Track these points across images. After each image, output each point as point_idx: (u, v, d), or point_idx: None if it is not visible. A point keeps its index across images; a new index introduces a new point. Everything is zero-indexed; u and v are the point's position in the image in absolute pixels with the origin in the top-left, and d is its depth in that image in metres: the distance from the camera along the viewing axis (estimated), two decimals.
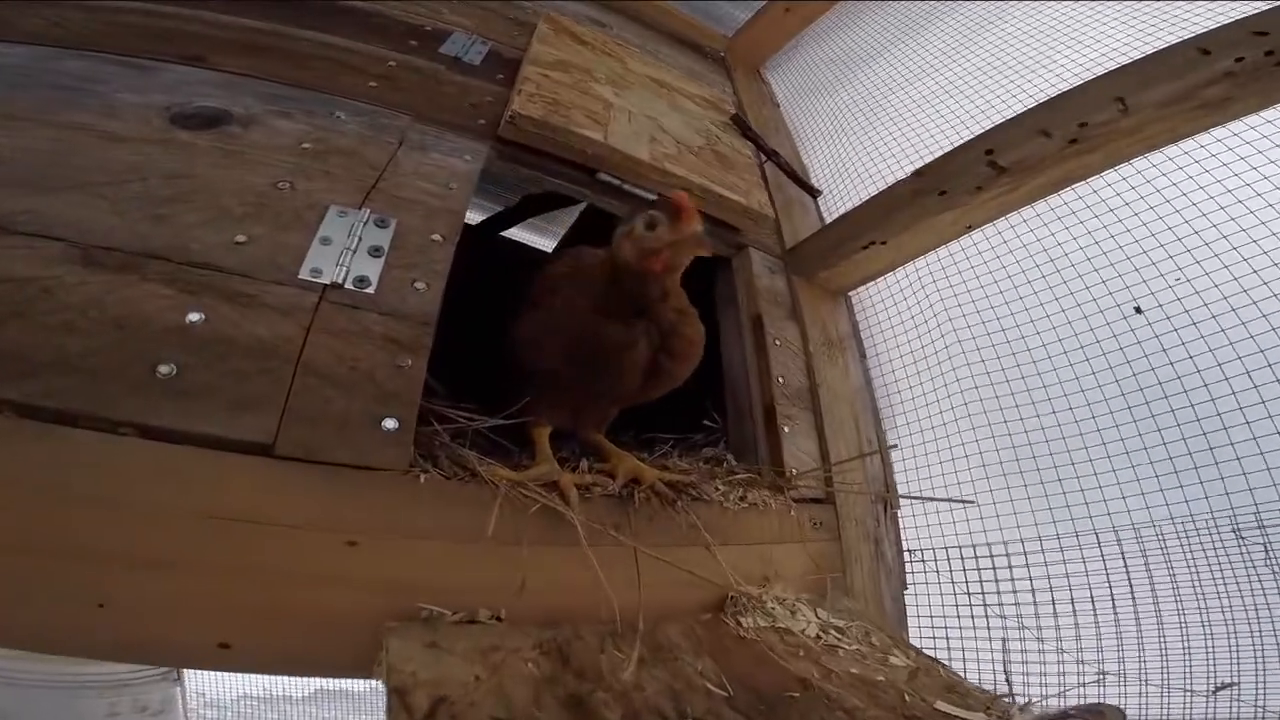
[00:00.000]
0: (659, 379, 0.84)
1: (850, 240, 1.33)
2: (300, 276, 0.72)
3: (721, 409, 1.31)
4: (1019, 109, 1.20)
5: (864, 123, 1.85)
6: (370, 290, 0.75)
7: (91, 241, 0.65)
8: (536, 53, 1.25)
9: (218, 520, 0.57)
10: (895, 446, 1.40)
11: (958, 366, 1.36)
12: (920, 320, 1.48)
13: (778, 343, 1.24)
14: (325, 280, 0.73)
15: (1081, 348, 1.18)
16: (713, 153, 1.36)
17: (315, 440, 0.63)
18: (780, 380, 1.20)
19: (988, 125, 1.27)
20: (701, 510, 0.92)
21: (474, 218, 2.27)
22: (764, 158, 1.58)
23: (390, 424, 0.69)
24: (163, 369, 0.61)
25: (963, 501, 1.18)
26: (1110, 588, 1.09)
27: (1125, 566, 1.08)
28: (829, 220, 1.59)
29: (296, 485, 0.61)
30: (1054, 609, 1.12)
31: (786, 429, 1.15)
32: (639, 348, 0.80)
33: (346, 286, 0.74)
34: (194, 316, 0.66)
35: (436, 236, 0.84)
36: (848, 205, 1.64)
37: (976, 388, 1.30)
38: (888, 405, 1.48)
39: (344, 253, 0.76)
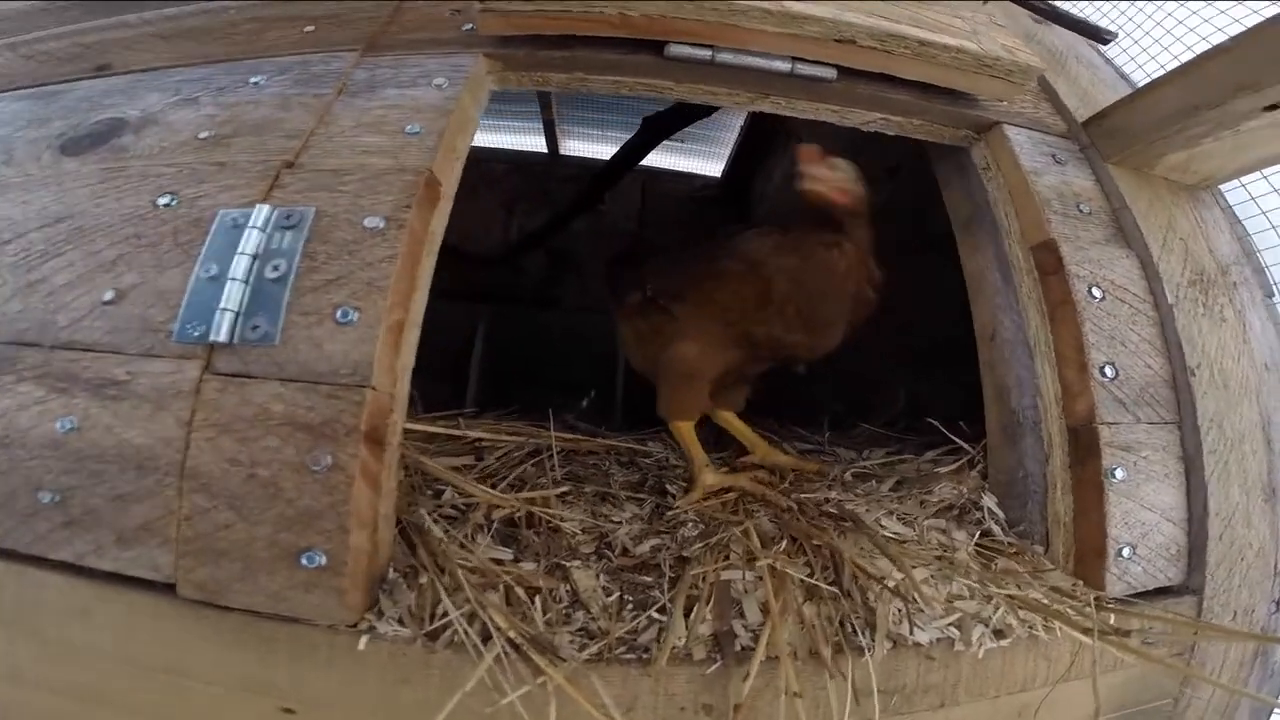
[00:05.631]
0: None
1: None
2: (175, 340, 0.52)
3: (972, 410, 0.83)
4: None
5: None
6: (274, 342, 0.51)
7: None
8: None
9: (134, 667, 0.52)
10: None
11: None
12: None
13: (1096, 292, 0.68)
14: (210, 338, 0.51)
15: None
16: None
17: (220, 580, 0.50)
18: (1106, 371, 0.65)
19: None
20: (908, 664, 0.56)
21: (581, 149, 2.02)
22: None
23: (313, 559, 0.49)
24: (44, 496, 0.53)
25: None
26: None
27: None
28: (1139, 84, 0.96)
29: (209, 635, 0.51)
30: None
31: (1119, 472, 0.64)
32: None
33: (237, 343, 0.51)
34: (63, 424, 0.51)
35: (373, 222, 0.55)
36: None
37: None
38: None
39: (234, 287, 0.52)
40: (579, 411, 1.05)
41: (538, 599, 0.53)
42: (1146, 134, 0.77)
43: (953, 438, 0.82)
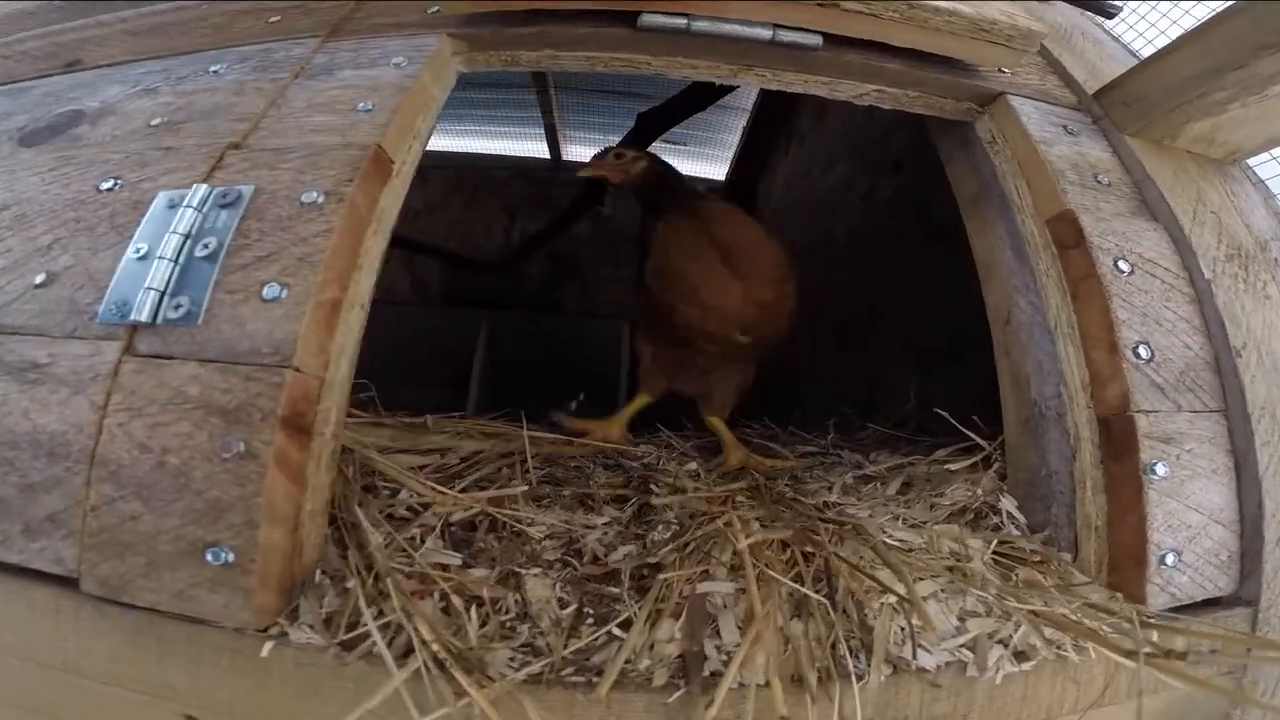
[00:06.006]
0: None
1: None
2: (99, 321, 0.48)
3: (988, 403, 0.75)
4: None
5: None
6: (196, 321, 0.47)
7: None
8: None
9: (33, 664, 0.48)
10: None
11: None
12: None
13: (1123, 266, 0.62)
14: (132, 317, 0.48)
15: None
16: None
17: (124, 575, 0.46)
18: (1139, 352, 0.58)
19: None
20: (910, 693, 0.48)
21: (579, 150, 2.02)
22: None
23: (219, 555, 0.44)
24: None
25: None
26: None
27: None
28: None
29: (109, 633, 0.46)
30: None
31: (1159, 468, 0.56)
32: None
33: (160, 323, 0.48)
34: None
35: (312, 197, 0.51)
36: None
37: None
38: None
39: (160, 266, 0.49)
40: (568, 412, 1.00)
41: (474, 610, 0.47)
42: (1165, 101, 0.70)
43: (966, 432, 0.73)
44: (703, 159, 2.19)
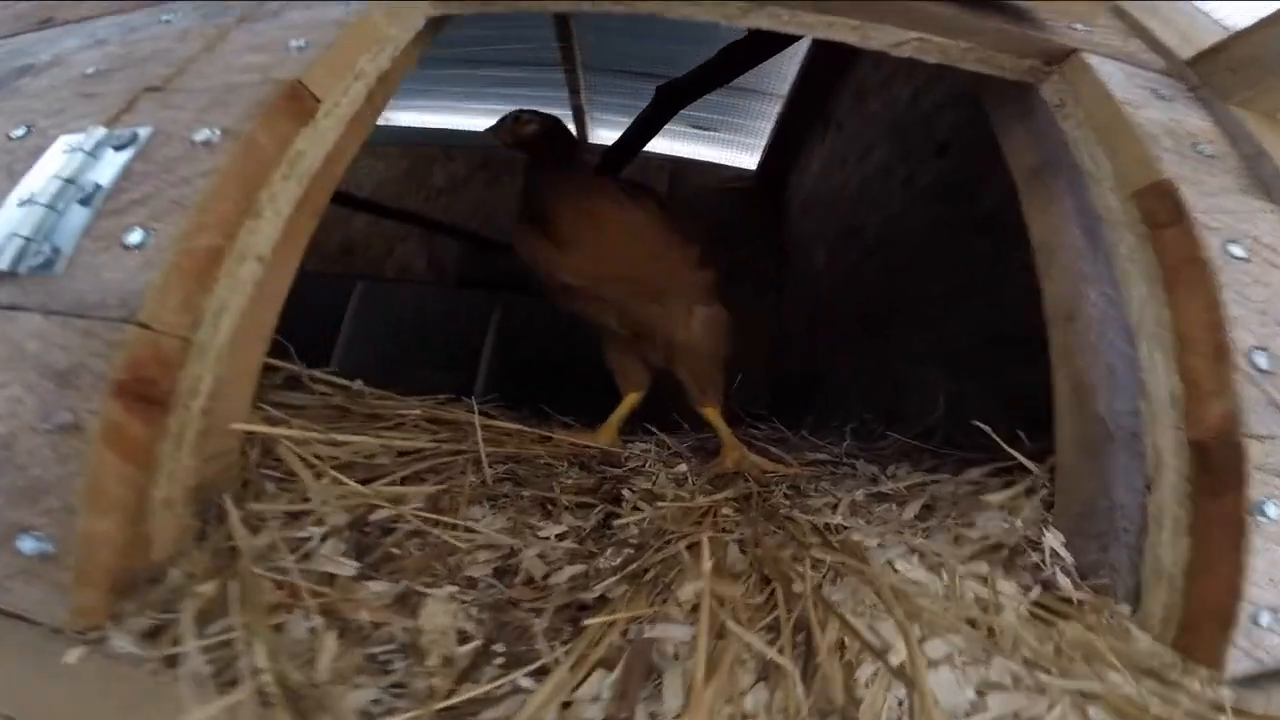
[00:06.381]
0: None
1: None
2: None
3: (1037, 416, 0.61)
4: None
5: None
6: (54, 270, 0.41)
7: None
8: None
9: None
10: None
11: None
12: None
13: (1236, 250, 0.49)
14: None
15: None
16: None
17: None
18: (1256, 359, 0.45)
19: None
20: None
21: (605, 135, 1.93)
22: None
23: (33, 544, 0.37)
24: None
25: None
26: None
27: None
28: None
29: None
30: None
31: (1271, 509, 0.42)
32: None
33: (22, 272, 0.41)
34: None
35: (205, 135, 0.44)
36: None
37: None
38: None
39: (32, 212, 0.43)
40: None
41: (331, 635, 0.37)
42: None
43: (1009, 450, 0.58)
44: (733, 146, 2.06)
